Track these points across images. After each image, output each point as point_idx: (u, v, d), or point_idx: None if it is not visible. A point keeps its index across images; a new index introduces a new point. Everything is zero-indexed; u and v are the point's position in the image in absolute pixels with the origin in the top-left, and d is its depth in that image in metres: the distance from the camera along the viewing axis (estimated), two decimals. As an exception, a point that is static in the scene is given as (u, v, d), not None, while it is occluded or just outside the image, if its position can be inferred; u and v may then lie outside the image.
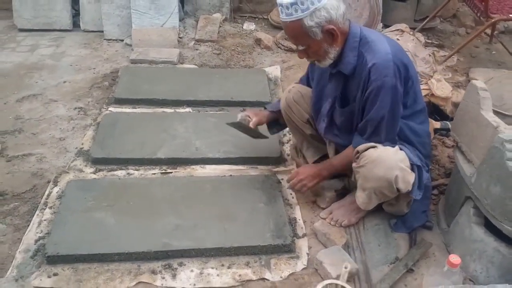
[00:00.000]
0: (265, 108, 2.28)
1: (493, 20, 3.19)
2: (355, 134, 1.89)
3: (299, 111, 2.14)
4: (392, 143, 1.81)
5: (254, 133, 2.21)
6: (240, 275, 1.76)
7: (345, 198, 2.08)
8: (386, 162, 1.73)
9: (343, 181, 2.17)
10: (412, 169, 1.79)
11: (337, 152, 2.08)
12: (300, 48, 1.79)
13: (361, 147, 1.81)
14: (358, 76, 1.78)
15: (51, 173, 2.26)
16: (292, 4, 1.66)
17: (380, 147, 1.77)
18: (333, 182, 2.17)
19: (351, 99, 1.87)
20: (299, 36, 1.74)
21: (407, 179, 1.76)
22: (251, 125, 2.11)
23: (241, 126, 2.14)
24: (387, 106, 1.73)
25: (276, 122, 2.27)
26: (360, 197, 1.87)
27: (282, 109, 2.19)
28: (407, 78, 1.76)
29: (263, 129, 2.25)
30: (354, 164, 1.83)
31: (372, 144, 1.78)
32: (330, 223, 1.99)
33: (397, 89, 1.72)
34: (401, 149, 1.80)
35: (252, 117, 2.13)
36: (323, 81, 1.97)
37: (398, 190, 1.77)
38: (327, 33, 1.71)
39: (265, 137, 2.26)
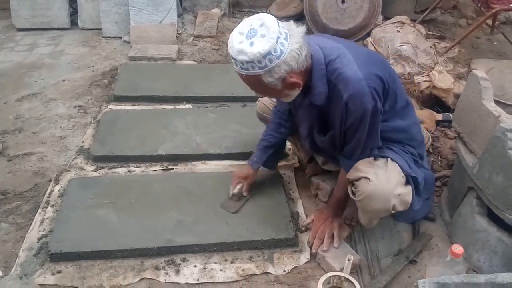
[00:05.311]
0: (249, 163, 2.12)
1: (494, 11, 3.19)
2: (341, 157, 1.80)
3: None
4: (377, 148, 1.73)
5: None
6: (243, 270, 1.77)
7: None
8: (382, 196, 1.64)
9: None
10: (408, 180, 1.71)
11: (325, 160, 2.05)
12: (259, 95, 1.69)
13: (351, 176, 1.72)
14: (333, 104, 1.65)
15: (52, 171, 2.27)
16: (247, 62, 1.47)
17: (373, 179, 1.64)
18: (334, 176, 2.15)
19: (329, 124, 1.75)
20: (257, 87, 1.62)
21: (404, 200, 1.68)
22: (244, 194, 2.05)
23: (241, 199, 2.07)
24: (370, 127, 1.64)
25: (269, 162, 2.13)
26: (361, 219, 1.82)
27: (260, 120, 2.16)
28: (384, 90, 1.62)
29: None
30: (352, 196, 1.75)
31: (362, 174, 1.68)
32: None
33: (377, 108, 1.61)
34: (393, 159, 1.70)
35: (244, 183, 2.05)
36: (297, 103, 1.81)
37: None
38: (288, 83, 1.57)
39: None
